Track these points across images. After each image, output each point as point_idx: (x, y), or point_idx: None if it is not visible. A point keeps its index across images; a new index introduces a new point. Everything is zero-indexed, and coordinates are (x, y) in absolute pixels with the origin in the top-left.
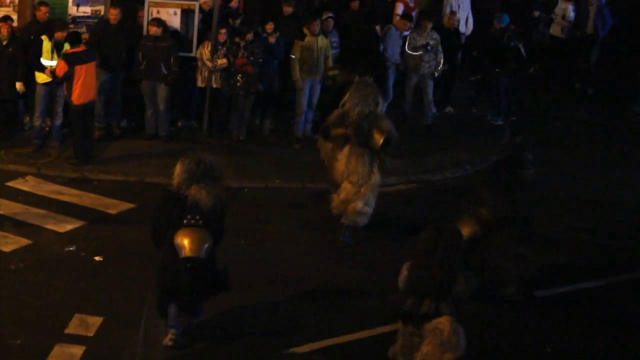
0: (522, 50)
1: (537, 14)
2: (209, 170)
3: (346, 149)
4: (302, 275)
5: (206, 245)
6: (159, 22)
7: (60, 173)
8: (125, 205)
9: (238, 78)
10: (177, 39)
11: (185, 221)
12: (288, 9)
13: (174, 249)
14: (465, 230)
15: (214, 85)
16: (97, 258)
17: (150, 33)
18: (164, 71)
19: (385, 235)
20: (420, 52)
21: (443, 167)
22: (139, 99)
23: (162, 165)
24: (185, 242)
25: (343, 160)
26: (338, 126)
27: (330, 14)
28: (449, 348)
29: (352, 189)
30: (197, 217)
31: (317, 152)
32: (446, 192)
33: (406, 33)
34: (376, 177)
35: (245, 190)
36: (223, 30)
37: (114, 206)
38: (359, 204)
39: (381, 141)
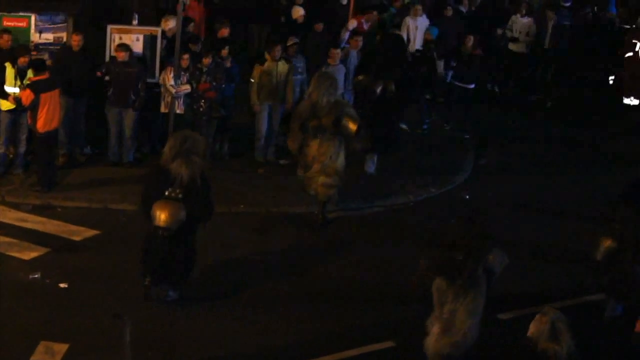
0: (436, 59)
1: (500, 31)
2: (194, 147)
3: (319, 137)
4: (267, 300)
5: (178, 218)
6: (125, 47)
7: (24, 200)
8: (90, 232)
9: (201, 103)
10: (143, 65)
11: (166, 193)
12: (319, 26)
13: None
14: (602, 245)
15: (177, 111)
16: (62, 285)
17: (118, 59)
18: (132, 97)
19: (346, 259)
20: None
21: (407, 190)
22: (102, 125)
23: (126, 191)
24: (158, 212)
25: (315, 146)
26: (312, 118)
27: (295, 40)
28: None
29: (320, 166)
30: (178, 191)
31: (281, 177)
32: (412, 215)
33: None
34: (341, 159)
35: None
36: (186, 56)
37: (79, 233)
38: (327, 179)
39: (355, 128)
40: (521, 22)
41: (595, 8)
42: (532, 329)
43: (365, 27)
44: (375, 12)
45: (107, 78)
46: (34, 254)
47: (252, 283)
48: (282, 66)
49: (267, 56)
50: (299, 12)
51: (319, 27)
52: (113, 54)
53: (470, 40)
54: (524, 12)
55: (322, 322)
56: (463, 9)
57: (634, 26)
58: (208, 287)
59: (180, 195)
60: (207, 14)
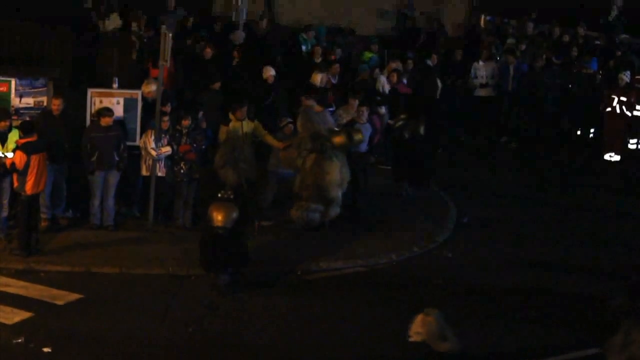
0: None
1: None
2: (241, 155)
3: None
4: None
5: (232, 217)
6: (110, 112)
7: (7, 265)
8: (73, 296)
9: (182, 165)
10: (123, 128)
11: (219, 194)
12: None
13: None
14: None
15: (159, 174)
16: (45, 349)
17: (103, 124)
18: (116, 159)
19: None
20: None
21: (388, 249)
22: (83, 188)
23: (109, 255)
24: (215, 214)
25: (304, 170)
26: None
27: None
28: None
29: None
30: (229, 192)
31: (268, 238)
32: (394, 276)
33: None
34: (331, 176)
35: (192, 278)
36: (166, 118)
37: (62, 297)
38: (311, 204)
39: (344, 138)
40: (484, 67)
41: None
42: (422, 330)
43: (334, 81)
44: (337, 65)
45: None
46: (17, 319)
47: (239, 345)
48: (247, 125)
49: (231, 116)
50: (269, 72)
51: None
52: (93, 117)
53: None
54: (488, 58)
55: None
56: (430, 63)
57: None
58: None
59: (232, 196)
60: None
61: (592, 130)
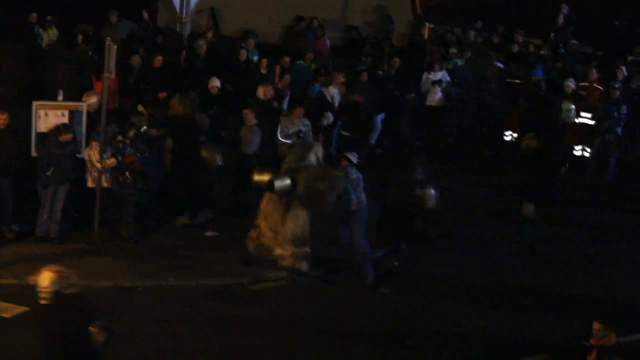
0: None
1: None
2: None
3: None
4: None
5: None
6: (69, 128)
7: None
8: (19, 309)
9: (127, 175)
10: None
11: None
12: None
13: None
14: None
15: (104, 185)
16: None
17: (62, 139)
18: (71, 173)
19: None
20: (292, 140)
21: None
22: (30, 202)
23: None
24: None
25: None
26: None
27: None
28: None
29: (269, 233)
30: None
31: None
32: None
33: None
34: (290, 226)
35: (139, 289)
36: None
37: (8, 310)
38: (278, 250)
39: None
40: (436, 77)
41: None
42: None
43: (284, 93)
44: (288, 76)
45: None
46: None
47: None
48: None
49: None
50: (213, 82)
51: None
52: (51, 133)
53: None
54: (437, 67)
55: None
56: (381, 73)
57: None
58: None
59: None
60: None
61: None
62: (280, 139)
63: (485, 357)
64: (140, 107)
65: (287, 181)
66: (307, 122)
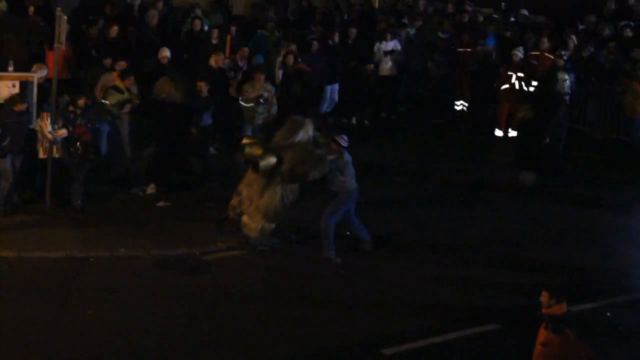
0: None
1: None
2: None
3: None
4: (151, 347)
5: None
6: (24, 98)
7: None
8: None
9: (77, 146)
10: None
11: None
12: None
13: None
14: None
15: (56, 155)
16: None
17: (17, 109)
18: (25, 143)
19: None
20: (253, 104)
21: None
22: None
23: (7, 238)
24: None
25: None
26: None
27: None
28: None
29: (247, 201)
30: None
31: (165, 216)
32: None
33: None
34: (266, 200)
35: (91, 260)
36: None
37: None
38: (246, 219)
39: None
40: (387, 47)
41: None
42: None
43: (241, 64)
44: (246, 48)
45: None
46: None
47: (134, 329)
48: None
49: None
50: (163, 52)
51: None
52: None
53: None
54: (389, 37)
55: None
56: (332, 43)
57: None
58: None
59: None
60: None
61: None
62: (242, 103)
63: (437, 325)
64: (118, 82)
65: (273, 160)
66: (269, 87)
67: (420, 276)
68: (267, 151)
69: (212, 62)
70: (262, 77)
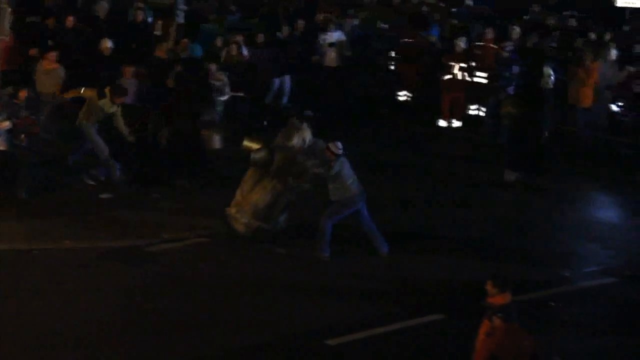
0: None
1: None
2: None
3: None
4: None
5: None
6: None
7: None
8: None
9: (21, 137)
10: None
11: None
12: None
13: None
14: None
15: (0, 148)
16: None
17: None
18: None
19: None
20: None
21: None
22: None
23: None
24: None
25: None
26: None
27: None
28: None
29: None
30: None
31: (108, 211)
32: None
33: None
34: (254, 197)
35: (35, 252)
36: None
37: None
38: (233, 210)
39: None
40: (332, 38)
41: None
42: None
43: (182, 55)
44: (186, 40)
45: None
46: None
47: (80, 321)
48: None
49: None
50: (105, 43)
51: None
52: None
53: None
54: (332, 28)
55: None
56: (280, 35)
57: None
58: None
59: None
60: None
61: None
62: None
63: (382, 315)
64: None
65: (264, 155)
66: (222, 77)
67: (370, 265)
68: (264, 147)
69: (157, 53)
70: (215, 67)
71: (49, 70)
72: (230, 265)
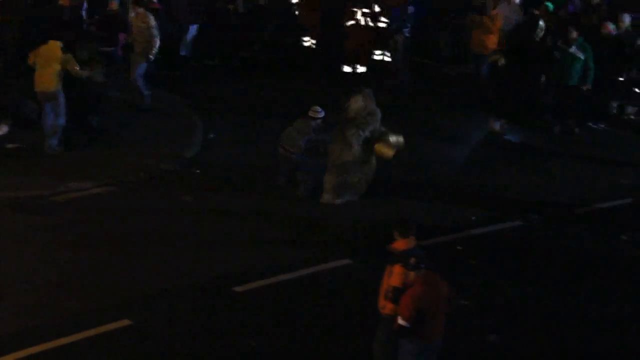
0: None
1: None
2: None
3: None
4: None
5: None
6: None
7: None
8: None
9: None
10: None
11: None
12: None
13: None
14: None
15: None
16: None
17: None
18: None
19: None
20: None
21: (137, 167)
22: None
23: None
24: None
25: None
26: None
27: None
28: None
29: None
30: None
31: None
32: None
33: None
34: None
35: None
36: None
37: None
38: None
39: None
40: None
41: None
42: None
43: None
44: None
45: None
46: None
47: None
48: None
49: None
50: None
51: None
52: None
53: None
54: None
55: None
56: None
57: None
58: None
59: None
60: None
61: None
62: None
63: (286, 262)
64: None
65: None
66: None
67: (271, 212)
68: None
69: (61, 2)
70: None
71: None
72: (136, 215)
